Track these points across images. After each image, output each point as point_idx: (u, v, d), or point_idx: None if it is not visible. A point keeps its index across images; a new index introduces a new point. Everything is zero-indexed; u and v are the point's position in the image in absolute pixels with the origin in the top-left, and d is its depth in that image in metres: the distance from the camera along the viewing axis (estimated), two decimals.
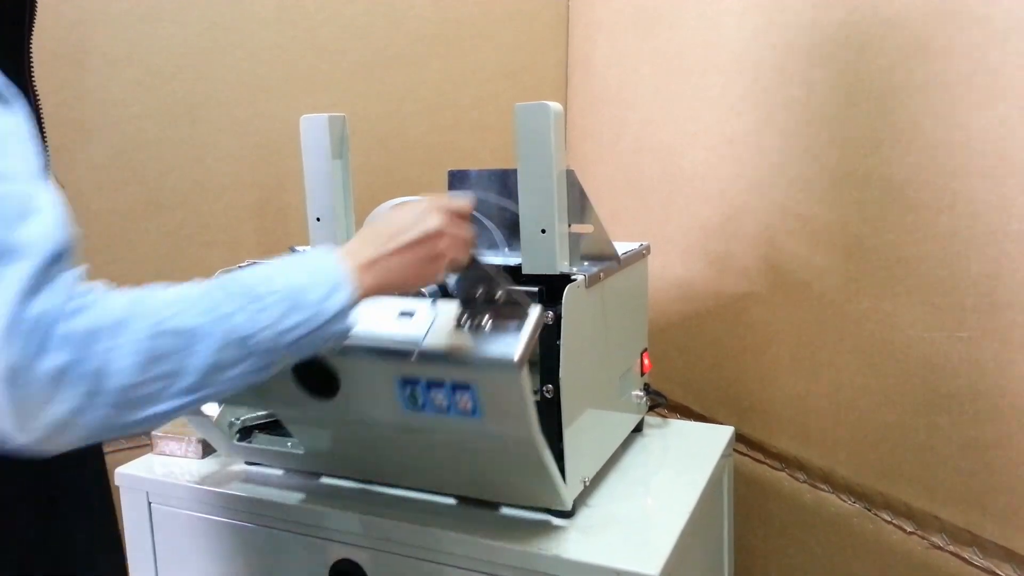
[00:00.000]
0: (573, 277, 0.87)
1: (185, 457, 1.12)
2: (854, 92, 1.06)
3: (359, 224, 1.02)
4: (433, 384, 0.78)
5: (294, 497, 0.98)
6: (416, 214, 0.72)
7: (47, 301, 0.49)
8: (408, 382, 0.80)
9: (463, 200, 0.77)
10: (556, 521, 0.90)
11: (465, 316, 0.78)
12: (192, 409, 0.57)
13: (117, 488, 1.06)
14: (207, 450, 1.12)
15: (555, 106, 0.85)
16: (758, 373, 1.28)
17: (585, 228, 0.96)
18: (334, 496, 0.98)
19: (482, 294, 0.78)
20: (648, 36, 1.46)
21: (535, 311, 0.77)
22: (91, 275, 0.54)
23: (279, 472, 1.06)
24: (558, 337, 0.82)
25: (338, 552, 0.95)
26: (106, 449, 0.91)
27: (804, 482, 1.23)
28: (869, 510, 1.12)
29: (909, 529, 1.06)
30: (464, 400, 0.77)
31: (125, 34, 1.36)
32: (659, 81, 1.44)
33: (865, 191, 1.06)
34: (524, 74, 1.70)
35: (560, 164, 0.88)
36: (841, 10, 1.08)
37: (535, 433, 0.79)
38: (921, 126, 0.98)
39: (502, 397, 0.76)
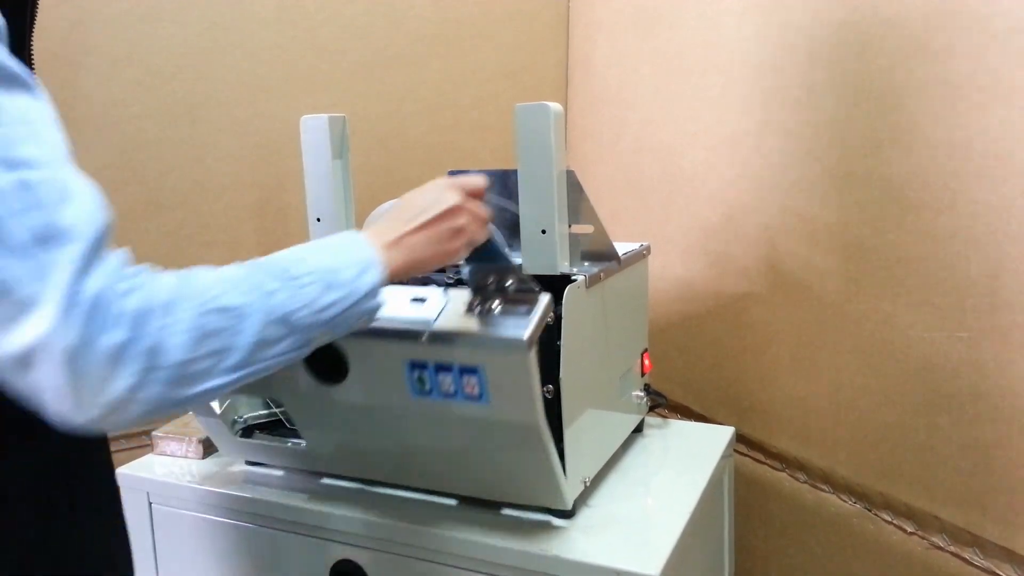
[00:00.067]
0: (573, 277, 0.87)
1: (185, 457, 1.12)
2: (854, 92, 1.06)
3: (359, 224, 1.02)
4: (441, 368, 0.80)
5: (295, 497, 0.98)
6: (433, 194, 0.74)
7: (100, 281, 0.50)
8: (416, 366, 0.81)
9: (476, 178, 0.79)
10: (556, 521, 0.90)
11: (476, 302, 0.80)
12: (237, 387, 0.58)
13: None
14: (207, 450, 1.12)
15: (555, 106, 0.85)
16: (758, 373, 1.28)
17: (585, 228, 0.96)
18: (334, 497, 0.98)
19: (493, 282, 0.81)
20: (648, 36, 1.46)
21: (545, 297, 0.79)
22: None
23: (280, 473, 1.06)
24: (558, 337, 0.82)
25: (338, 552, 0.95)
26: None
27: (804, 482, 1.23)
28: (869, 510, 1.12)
29: (909, 529, 1.06)
30: (471, 384, 0.79)
31: (125, 34, 1.36)
32: (659, 81, 1.44)
33: (865, 191, 1.06)
34: (524, 74, 1.70)
35: (560, 164, 0.88)
36: (841, 10, 1.08)
37: (540, 419, 0.80)
38: (921, 126, 0.98)
39: (509, 380, 0.78)
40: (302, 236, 1.11)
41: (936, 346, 0.99)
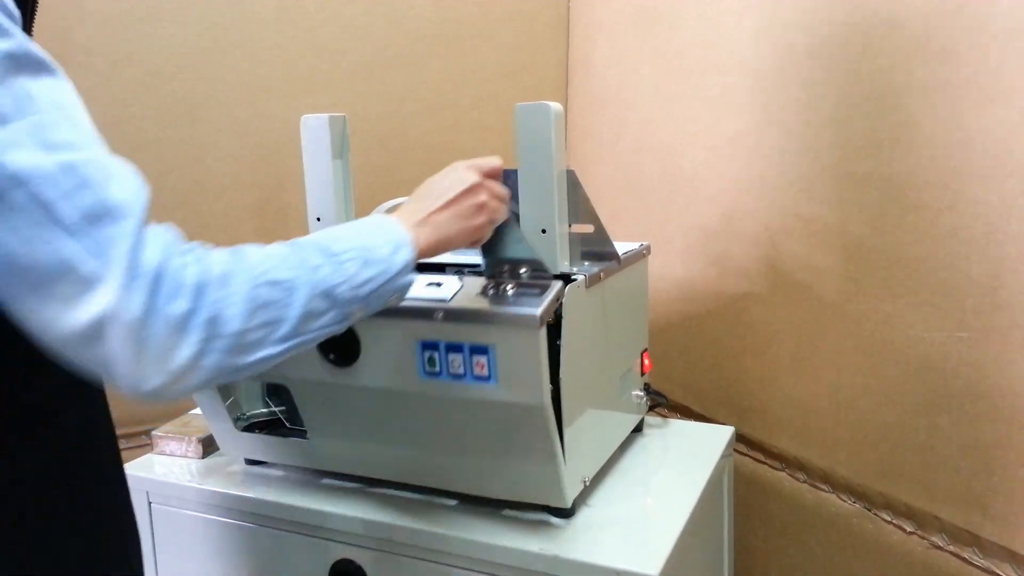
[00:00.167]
0: (573, 277, 0.87)
1: (185, 457, 1.12)
2: (854, 92, 1.06)
3: None
4: (452, 348, 0.82)
5: (294, 497, 0.99)
6: (453, 175, 0.78)
7: (159, 255, 0.52)
8: (428, 346, 0.83)
9: (492, 159, 0.82)
10: (556, 521, 0.90)
11: (490, 286, 0.83)
12: (285, 358, 0.61)
13: None
14: (207, 450, 1.12)
15: (555, 106, 0.85)
16: (758, 373, 1.28)
17: (585, 228, 0.96)
18: (334, 496, 0.98)
19: (508, 271, 0.86)
20: (648, 36, 1.46)
21: (558, 282, 0.83)
22: None
23: (279, 472, 1.06)
24: (558, 337, 0.83)
25: (338, 552, 0.95)
26: None
27: (804, 482, 1.23)
28: (869, 510, 1.12)
29: (909, 529, 1.06)
30: (481, 364, 0.81)
31: (125, 34, 1.36)
32: (659, 81, 1.44)
33: (865, 191, 1.06)
34: (524, 74, 1.70)
35: (560, 164, 0.88)
36: (841, 11, 1.08)
37: (546, 400, 0.81)
38: (921, 126, 0.98)
39: (519, 358, 0.80)
40: (302, 236, 1.11)
41: (936, 346, 0.99)
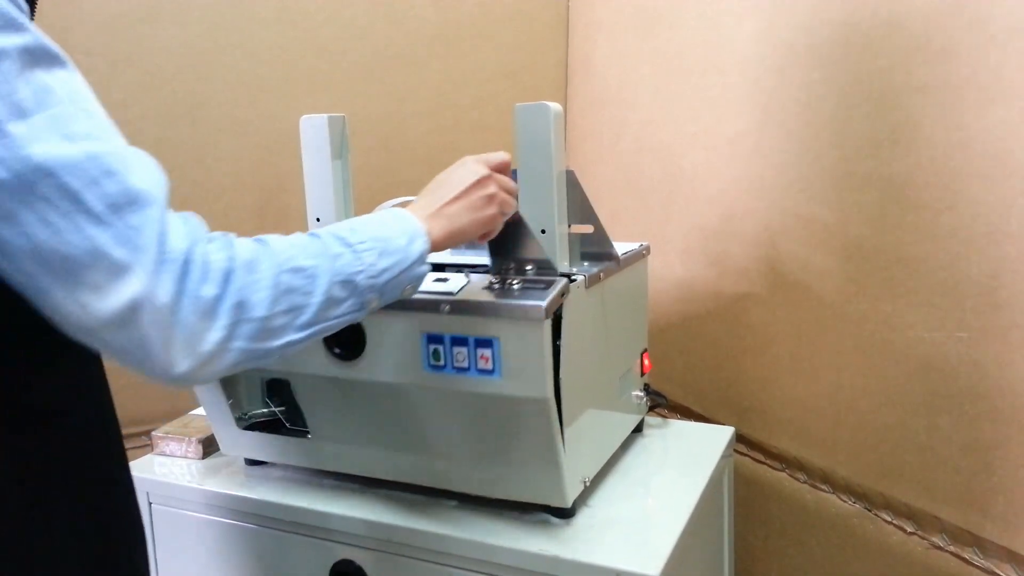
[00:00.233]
0: (573, 277, 0.87)
1: (185, 458, 1.12)
2: (854, 93, 1.06)
3: None
4: (457, 341, 0.83)
5: (294, 498, 0.99)
6: (462, 169, 0.79)
7: (187, 240, 0.54)
8: (433, 339, 0.84)
9: (499, 154, 0.83)
10: (556, 521, 0.90)
11: (496, 281, 0.85)
12: (306, 345, 0.63)
13: None
14: (207, 450, 1.12)
15: (555, 106, 0.85)
16: (758, 373, 1.28)
17: (585, 228, 0.96)
18: (334, 497, 0.98)
19: (514, 268, 0.88)
20: (648, 36, 1.46)
21: (563, 279, 0.84)
22: None
23: (279, 473, 1.06)
24: (558, 337, 0.83)
25: (338, 553, 0.95)
26: None
27: (804, 483, 1.23)
28: (869, 511, 1.12)
29: (909, 529, 1.06)
30: (485, 357, 0.82)
31: (125, 35, 1.36)
32: (659, 81, 1.44)
33: (865, 192, 1.06)
34: (524, 74, 1.70)
35: (560, 164, 0.88)
36: (841, 11, 1.08)
37: (549, 393, 0.81)
38: (921, 127, 0.98)
39: (523, 352, 0.80)
40: None
41: (936, 346, 0.99)
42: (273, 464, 1.07)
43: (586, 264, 0.96)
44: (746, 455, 1.33)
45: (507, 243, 0.88)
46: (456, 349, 0.84)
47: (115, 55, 1.35)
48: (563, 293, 0.83)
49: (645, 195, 1.47)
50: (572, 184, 0.92)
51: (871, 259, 1.06)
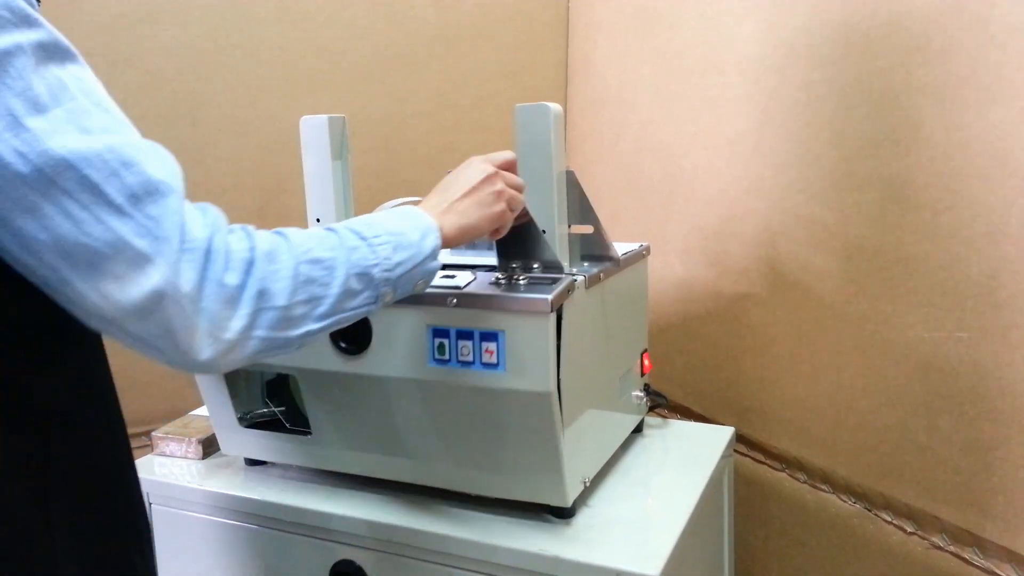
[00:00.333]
0: (573, 278, 0.87)
1: (185, 458, 1.12)
2: (854, 93, 1.06)
3: None
4: (462, 335, 0.84)
5: (294, 498, 0.99)
6: (470, 168, 0.80)
7: (208, 230, 0.55)
8: (439, 333, 0.85)
9: (506, 152, 0.84)
10: (556, 521, 0.90)
11: (503, 277, 0.86)
12: (323, 335, 0.64)
13: None
14: (207, 451, 1.12)
15: (555, 107, 0.85)
16: (758, 374, 1.28)
17: (585, 228, 0.96)
18: (335, 497, 0.98)
19: (520, 265, 0.88)
20: (648, 36, 1.46)
21: (568, 276, 0.85)
22: None
23: (279, 473, 1.06)
24: (558, 337, 0.83)
25: (339, 553, 0.95)
26: None
27: (804, 483, 1.23)
28: (869, 511, 1.12)
29: (910, 530, 1.06)
30: (490, 351, 0.83)
31: (125, 36, 1.36)
32: (659, 81, 1.44)
33: (865, 192, 1.06)
34: (524, 74, 1.70)
35: (560, 164, 0.88)
36: (841, 11, 1.08)
37: (552, 387, 0.82)
38: (921, 127, 0.98)
39: (527, 345, 0.81)
40: None
41: (936, 346, 0.99)
42: (273, 464, 1.07)
43: (586, 264, 0.96)
44: (746, 455, 1.33)
45: (516, 244, 0.88)
46: (461, 343, 0.84)
47: (115, 55, 1.35)
48: (569, 289, 0.83)
49: (645, 195, 1.47)
50: (572, 184, 0.92)
51: (871, 259, 1.06)
